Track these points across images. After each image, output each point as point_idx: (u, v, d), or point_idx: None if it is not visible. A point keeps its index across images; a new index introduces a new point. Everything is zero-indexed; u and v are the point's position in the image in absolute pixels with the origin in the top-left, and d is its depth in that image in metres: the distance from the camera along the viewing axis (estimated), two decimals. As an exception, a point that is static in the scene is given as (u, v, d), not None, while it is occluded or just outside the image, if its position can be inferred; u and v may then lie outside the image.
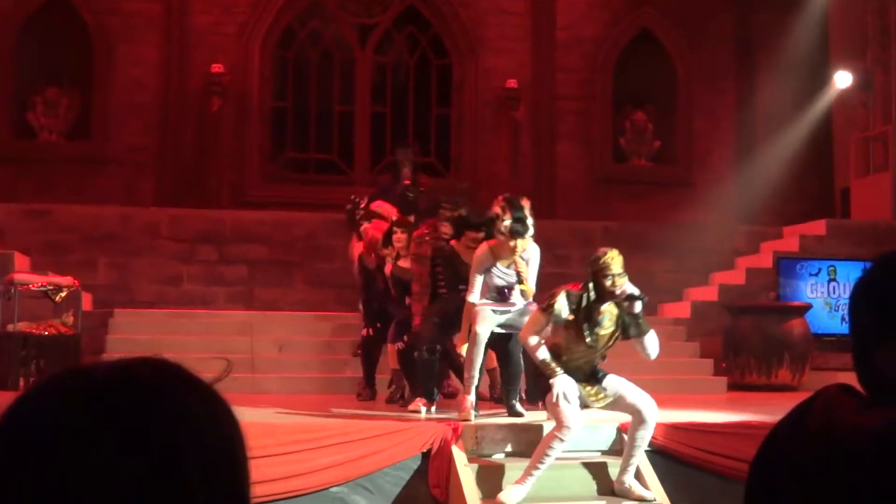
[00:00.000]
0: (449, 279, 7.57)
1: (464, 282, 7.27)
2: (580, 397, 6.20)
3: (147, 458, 0.98)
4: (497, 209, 6.97)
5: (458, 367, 7.70)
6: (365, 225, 8.97)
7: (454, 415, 7.02)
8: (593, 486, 6.53)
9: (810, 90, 14.67)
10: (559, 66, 14.98)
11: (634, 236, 12.51)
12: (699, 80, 15.26)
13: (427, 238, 7.93)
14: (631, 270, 6.30)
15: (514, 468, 6.37)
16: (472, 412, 6.99)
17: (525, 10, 15.06)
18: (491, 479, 6.36)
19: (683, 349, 10.97)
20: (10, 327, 9.57)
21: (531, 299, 7.10)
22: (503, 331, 7.17)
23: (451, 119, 15.20)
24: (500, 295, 7.12)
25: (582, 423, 6.19)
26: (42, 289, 9.91)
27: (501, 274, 7.10)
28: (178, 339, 9.90)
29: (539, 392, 6.50)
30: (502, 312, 7.11)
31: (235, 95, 14.38)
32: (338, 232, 11.05)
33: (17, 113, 13.99)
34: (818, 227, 12.88)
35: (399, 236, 8.26)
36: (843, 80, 14.40)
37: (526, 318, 6.75)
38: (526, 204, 6.99)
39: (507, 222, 6.89)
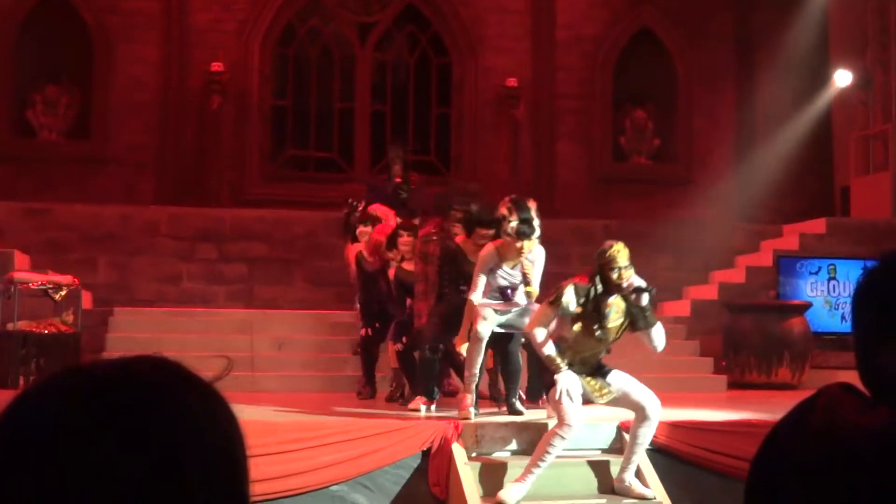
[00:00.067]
0: (452, 278, 7.55)
1: (466, 281, 7.25)
2: (583, 392, 6.19)
3: (147, 456, 0.98)
4: (504, 210, 6.95)
5: (459, 366, 7.69)
6: (361, 228, 8.98)
7: (454, 413, 7.03)
8: (594, 484, 6.53)
9: (810, 89, 14.67)
10: (559, 65, 14.98)
11: (634, 235, 12.40)
12: (699, 79, 15.26)
13: (434, 237, 7.90)
14: (631, 269, 6.30)
15: (514, 466, 6.37)
16: (473, 410, 6.99)
17: (525, 9, 15.06)
18: (491, 478, 6.36)
19: (683, 348, 10.95)
20: (10, 326, 9.58)
21: (533, 300, 7.10)
22: (503, 330, 7.16)
23: (451, 118, 15.20)
24: (503, 295, 7.12)
25: (583, 421, 6.19)
26: (42, 287, 9.91)
27: (506, 274, 7.09)
28: (177, 338, 9.90)
29: (542, 387, 6.49)
30: (503, 312, 7.10)
31: (235, 93, 14.38)
32: (338, 230, 11.05)
33: (17, 111, 13.99)
34: (818, 225, 12.88)
35: (405, 240, 8.17)
36: (842, 78, 14.40)
37: (526, 319, 6.76)
38: (532, 205, 6.97)
39: (514, 223, 6.87)
